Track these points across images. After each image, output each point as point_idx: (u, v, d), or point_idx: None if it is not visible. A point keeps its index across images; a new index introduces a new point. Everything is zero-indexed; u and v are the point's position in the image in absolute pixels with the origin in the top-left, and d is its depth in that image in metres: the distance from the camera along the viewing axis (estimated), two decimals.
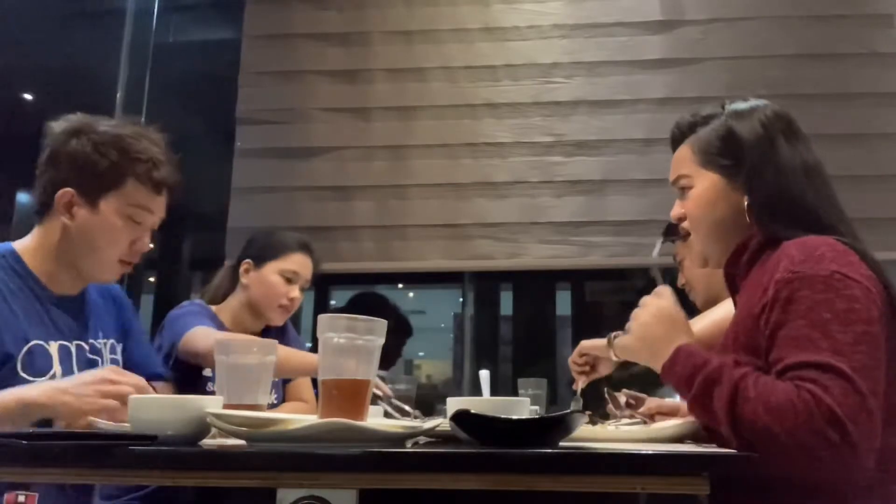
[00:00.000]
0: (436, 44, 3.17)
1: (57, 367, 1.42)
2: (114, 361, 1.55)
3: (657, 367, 1.20)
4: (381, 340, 1.05)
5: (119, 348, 1.60)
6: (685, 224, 1.35)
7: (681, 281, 1.99)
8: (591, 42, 3.10)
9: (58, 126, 1.49)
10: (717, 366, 1.09)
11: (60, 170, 1.46)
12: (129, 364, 1.60)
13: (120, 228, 1.47)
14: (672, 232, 1.39)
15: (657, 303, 1.24)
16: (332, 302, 3.58)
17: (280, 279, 2.06)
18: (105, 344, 1.55)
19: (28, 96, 3.58)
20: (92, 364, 1.48)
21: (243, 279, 2.08)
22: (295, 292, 2.08)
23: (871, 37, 2.98)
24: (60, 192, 1.44)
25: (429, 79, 3.15)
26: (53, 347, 1.42)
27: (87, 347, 1.49)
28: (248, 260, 2.09)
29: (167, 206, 1.55)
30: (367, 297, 3.29)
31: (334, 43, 3.22)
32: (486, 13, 3.17)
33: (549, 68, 3.10)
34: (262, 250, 2.10)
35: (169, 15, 3.56)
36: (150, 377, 1.60)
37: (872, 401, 1.00)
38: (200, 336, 1.83)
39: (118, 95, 3.35)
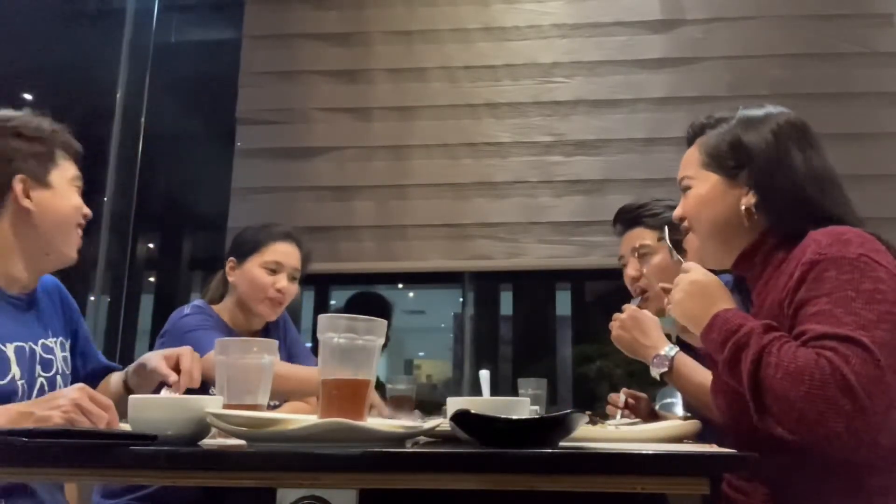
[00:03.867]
0: (436, 44, 3.17)
1: (15, 369, 1.42)
2: (64, 360, 1.56)
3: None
4: (381, 340, 1.05)
5: (68, 345, 1.61)
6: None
7: (630, 273, 1.86)
8: (591, 42, 3.10)
9: None
10: (748, 331, 1.11)
11: None
12: (84, 359, 1.65)
13: (72, 195, 1.52)
14: (672, 227, 1.39)
15: (686, 278, 1.26)
16: (332, 302, 3.58)
17: (262, 272, 2.00)
18: (56, 342, 1.56)
19: (28, 96, 3.57)
20: (47, 364, 1.49)
21: (230, 277, 2.04)
22: (282, 282, 2.01)
23: (872, 36, 2.98)
24: (15, 179, 1.45)
25: (429, 79, 3.15)
26: (10, 349, 1.42)
27: (39, 348, 1.50)
28: (231, 258, 2.05)
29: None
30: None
31: (334, 43, 3.22)
32: (486, 13, 3.17)
33: (549, 68, 3.10)
34: (243, 246, 2.05)
35: (169, 15, 3.56)
36: (107, 369, 1.65)
37: (891, 377, 1.00)
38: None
39: (118, 95, 3.35)
